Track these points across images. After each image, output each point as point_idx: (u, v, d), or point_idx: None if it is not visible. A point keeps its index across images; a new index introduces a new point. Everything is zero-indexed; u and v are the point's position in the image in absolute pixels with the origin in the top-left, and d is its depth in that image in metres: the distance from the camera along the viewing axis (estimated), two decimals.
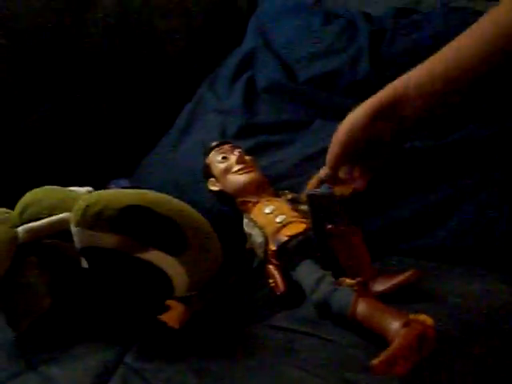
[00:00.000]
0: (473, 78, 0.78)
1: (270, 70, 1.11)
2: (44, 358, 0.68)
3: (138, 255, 0.64)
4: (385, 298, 0.68)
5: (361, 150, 0.81)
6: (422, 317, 0.63)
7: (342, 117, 1.00)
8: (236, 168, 0.88)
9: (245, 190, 0.87)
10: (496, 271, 0.79)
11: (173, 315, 0.67)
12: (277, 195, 0.87)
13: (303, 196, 0.85)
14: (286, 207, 0.82)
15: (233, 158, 0.90)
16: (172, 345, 0.67)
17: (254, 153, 1.01)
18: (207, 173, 0.92)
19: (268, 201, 0.84)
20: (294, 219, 0.80)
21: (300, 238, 0.77)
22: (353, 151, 0.81)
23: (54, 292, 0.72)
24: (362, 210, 0.84)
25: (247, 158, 0.90)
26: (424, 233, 0.84)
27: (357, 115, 0.81)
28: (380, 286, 0.70)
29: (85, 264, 0.69)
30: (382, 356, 0.60)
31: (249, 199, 0.86)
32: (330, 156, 0.83)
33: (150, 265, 0.64)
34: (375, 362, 0.60)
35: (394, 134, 0.81)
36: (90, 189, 0.84)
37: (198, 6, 1.31)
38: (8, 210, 0.77)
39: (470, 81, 0.78)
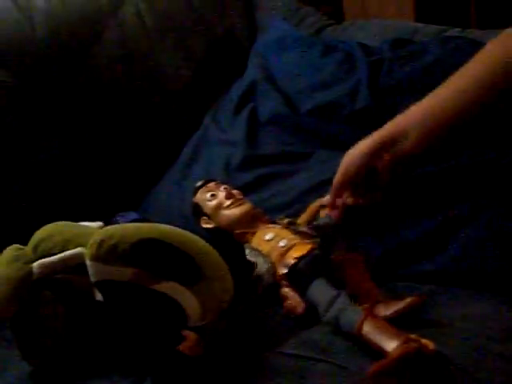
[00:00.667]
0: (469, 116, 0.83)
1: (272, 102, 1.14)
2: None
3: (153, 287, 0.66)
4: (393, 324, 0.69)
5: (361, 180, 0.87)
6: (424, 340, 0.66)
7: (344, 146, 1.03)
8: (227, 203, 0.91)
9: (241, 222, 0.89)
10: (496, 294, 0.80)
11: (189, 345, 0.68)
12: (273, 222, 0.89)
13: (300, 220, 0.90)
14: (285, 232, 0.85)
15: (221, 194, 0.92)
16: (187, 375, 0.68)
17: (258, 183, 1.04)
18: (197, 212, 0.94)
19: (266, 228, 0.87)
20: (296, 241, 0.83)
21: (308, 258, 0.80)
22: (354, 181, 0.87)
23: (69, 325, 0.74)
24: (363, 237, 0.87)
25: (234, 191, 0.93)
26: (424, 258, 0.85)
27: (359, 149, 0.87)
28: (384, 311, 0.72)
29: (99, 297, 0.70)
30: (377, 365, 0.63)
31: (247, 230, 0.88)
32: (333, 184, 0.89)
33: (164, 296, 0.66)
34: (370, 369, 0.63)
35: (393, 168, 0.86)
36: (100, 223, 0.85)
37: (198, 39, 1.34)
38: (21, 247, 0.78)
39: (466, 118, 0.83)
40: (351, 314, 0.71)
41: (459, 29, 1.28)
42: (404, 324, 0.69)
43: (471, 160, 0.95)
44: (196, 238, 0.71)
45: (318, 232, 0.79)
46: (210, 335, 0.70)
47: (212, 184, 0.95)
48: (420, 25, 1.37)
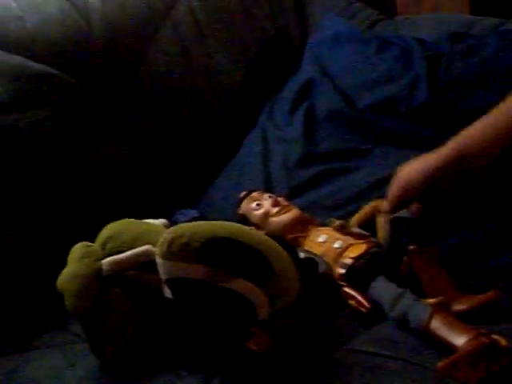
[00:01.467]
0: None
1: (329, 98, 1.14)
2: None
3: (224, 285, 0.67)
4: (465, 319, 0.69)
5: (419, 195, 0.84)
6: (496, 336, 0.66)
7: (403, 142, 1.02)
8: (275, 210, 0.91)
9: (292, 227, 0.89)
10: None
11: (259, 341, 0.69)
12: (324, 225, 0.89)
13: (352, 222, 0.89)
14: (338, 233, 0.85)
15: (266, 202, 0.93)
16: (257, 372, 0.68)
17: (317, 181, 1.03)
18: (244, 223, 0.93)
19: (318, 231, 0.87)
20: (351, 241, 0.83)
21: (365, 257, 0.80)
22: (412, 198, 0.84)
23: (138, 321, 0.75)
24: (437, 233, 0.85)
25: (280, 199, 0.93)
26: (498, 254, 0.84)
27: (421, 166, 0.84)
28: (460, 306, 0.72)
29: (168, 294, 0.71)
30: (447, 359, 0.63)
31: (298, 234, 0.88)
32: (390, 197, 0.86)
33: (235, 294, 0.67)
34: (440, 363, 0.63)
35: (461, 185, 0.83)
36: (164, 221, 0.87)
37: (251, 37, 1.34)
38: (90, 244, 0.80)
39: None
40: (419, 311, 0.71)
41: None
42: (476, 320, 0.69)
43: None
44: (265, 236, 0.71)
45: (395, 225, 0.78)
46: (279, 331, 0.70)
47: (255, 193, 0.95)
48: (476, 18, 1.34)
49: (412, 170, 0.85)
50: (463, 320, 0.69)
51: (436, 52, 1.14)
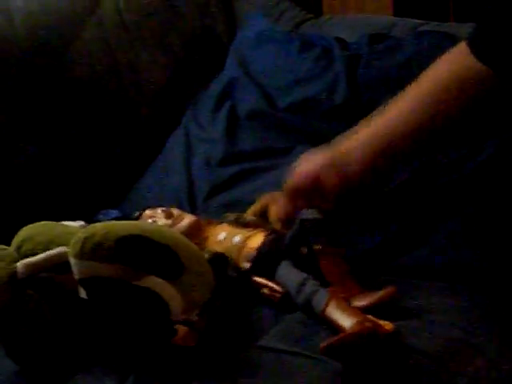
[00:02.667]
0: (413, 138, 0.86)
1: (251, 98, 1.15)
2: None
3: (137, 282, 0.68)
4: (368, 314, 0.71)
5: (310, 192, 0.89)
6: (383, 322, 0.70)
7: (323, 141, 1.04)
8: (170, 222, 0.91)
9: (190, 233, 0.88)
10: (472, 286, 0.82)
11: (185, 336, 0.70)
12: (220, 223, 0.91)
13: (247, 213, 0.92)
14: (235, 228, 0.88)
15: (160, 216, 0.92)
16: (167, 369, 0.69)
17: (239, 179, 1.05)
18: None
19: (216, 230, 0.89)
20: (249, 234, 0.86)
21: (265, 245, 0.83)
22: (307, 189, 0.89)
23: (54, 323, 0.75)
24: (345, 232, 0.88)
25: (172, 209, 0.93)
26: (403, 252, 0.87)
27: (313, 161, 0.90)
28: (361, 302, 0.75)
29: (83, 294, 0.72)
30: (329, 340, 0.67)
31: (198, 240, 0.88)
32: (286, 188, 0.91)
33: (147, 291, 0.68)
34: (322, 344, 0.66)
35: (342, 185, 0.88)
36: (82, 223, 0.87)
37: (177, 35, 1.35)
38: (4, 247, 0.79)
39: (412, 141, 0.86)
40: (319, 297, 0.74)
41: (436, 22, 1.30)
42: (381, 315, 0.71)
43: (452, 158, 0.97)
44: (177, 234, 0.72)
45: (301, 225, 0.81)
46: (201, 327, 0.72)
47: (148, 211, 0.95)
48: (397, 19, 1.38)
49: (303, 164, 0.90)
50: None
51: (356, 53, 1.18)
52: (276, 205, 0.92)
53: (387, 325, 0.70)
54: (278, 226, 0.91)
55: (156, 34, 1.32)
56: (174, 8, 1.37)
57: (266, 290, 0.81)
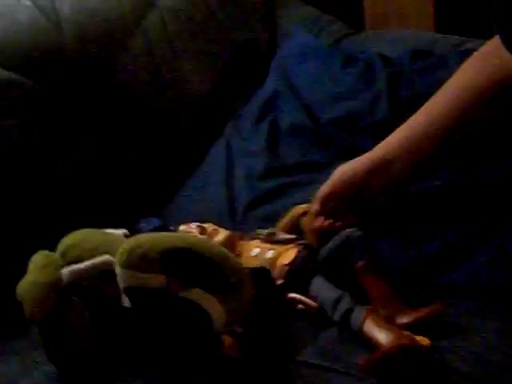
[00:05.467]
0: (447, 139, 0.88)
1: (293, 112, 1.16)
2: None
3: (181, 294, 0.69)
4: (414, 333, 0.72)
5: (349, 197, 0.91)
6: (420, 337, 0.70)
7: None
8: (204, 238, 0.91)
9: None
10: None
11: (232, 346, 0.72)
12: (253, 239, 0.91)
13: (277, 228, 0.92)
14: (267, 244, 0.88)
15: (194, 230, 0.93)
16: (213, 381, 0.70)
17: (280, 192, 1.06)
18: None
19: (249, 246, 0.90)
20: (281, 249, 0.86)
21: (298, 261, 0.84)
22: (341, 197, 0.91)
23: (96, 330, 0.76)
24: (386, 249, 0.89)
25: (205, 225, 0.94)
26: (447, 270, 0.87)
27: (351, 168, 0.91)
28: (405, 319, 0.75)
29: (126, 303, 0.73)
30: (368, 358, 0.67)
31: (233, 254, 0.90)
32: (319, 194, 0.92)
33: (192, 303, 0.69)
34: (361, 361, 0.67)
35: (382, 191, 0.90)
36: (125, 231, 0.88)
37: (220, 47, 1.37)
38: (50, 253, 0.81)
39: (445, 142, 0.88)
40: (356, 314, 0.75)
41: (480, 40, 1.29)
42: (420, 332, 0.72)
43: (493, 173, 0.97)
44: (221, 247, 0.73)
45: (345, 241, 0.82)
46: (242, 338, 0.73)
47: (182, 227, 0.95)
48: (439, 36, 1.38)
49: (342, 171, 0.91)
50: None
51: (398, 69, 1.18)
52: (309, 215, 0.93)
53: (424, 340, 0.70)
54: (311, 237, 0.91)
55: (199, 46, 1.34)
56: (216, 20, 1.39)
57: (301, 306, 0.81)
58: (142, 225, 1.05)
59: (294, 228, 0.93)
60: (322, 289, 0.80)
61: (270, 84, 1.26)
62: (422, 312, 0.74)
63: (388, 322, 0.73)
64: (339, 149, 1.09)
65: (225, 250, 0.74)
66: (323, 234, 0.90)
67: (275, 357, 0.75)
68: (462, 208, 0.93)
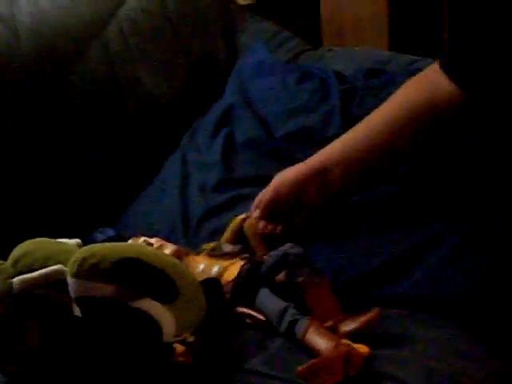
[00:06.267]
0: (384, 151, 0.93)
1: (248, 126, 1.18)
2: None
3: (131, 304, 0.70)
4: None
5: (290, 202, 0.95)
6: (358, 345, 0.74)
7: None
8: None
9: None
10: (457, 320, 0.85)
11: (183, 354, 0.73)
12: (198, 253, 0.92)
13: (222, 240, 0.95)
14: (212, 258, 0.90)
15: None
16: None
17: (233, 204, 1.08)
18: None
19: (195, 261, 0.90)
20: (226, 264, 0.88)
21: (241, 279, 0.85)
22: (282, 201, 0.95)
23: (45, 339, 0.77)
24: (330, 262, 0.91)
25: (152, 240, 0.94)
26: (388, 282, 0.90)
27: (290, 173, 0.96)
28: (346, 328, 0.78)
29: (77, 312, 0.74)
30: (306, 364, 0.70)
31: None
32: (262, 198, 0.96)
33: (141, 313, 0.70)
34: (299, 368, 0.70)
35: (320, 196, 0.94)
36: (78, 241, 0.89)
37: (179, 60, 1.38)
38: (1, 261, 0.81)
39: (382, 154, 0.93)
40: (300, 324, 0.78)
41: (431, 60, 1.33)
42: (364, 342, 0.75)
43: (438, 183, 1.00)
44: (172, 258, 0.74)
45: (282, 260, 0.84)
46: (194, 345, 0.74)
47: (130, 240, 0.94)
48: (394, 54, 1.42)
49: (283, 176, 0.95)
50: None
51: (351, 86, 1.21)
52: (250, 220, 0.96)
53: (362, 347, 0.74)
54: (255, 241, 0.95)
55: (158, 58, 1.35)
56: (176, 33, 1.40)
57: (248, 320, 0.84)
58: (97, 235, 1.06)
59: (238, 236, 0.96)
60: (268, 302, 0.82)
61: (227, 97, 1.28)
62: (359, 321, 0.77)
63: (331, 331, 0.76)
64: (292, 162, 1.11)
65: (176, 260, 0.75)
66: (267, 238, 0.94)
67: (224, 365, 0.77)
68: (408, 219, 0.96)
